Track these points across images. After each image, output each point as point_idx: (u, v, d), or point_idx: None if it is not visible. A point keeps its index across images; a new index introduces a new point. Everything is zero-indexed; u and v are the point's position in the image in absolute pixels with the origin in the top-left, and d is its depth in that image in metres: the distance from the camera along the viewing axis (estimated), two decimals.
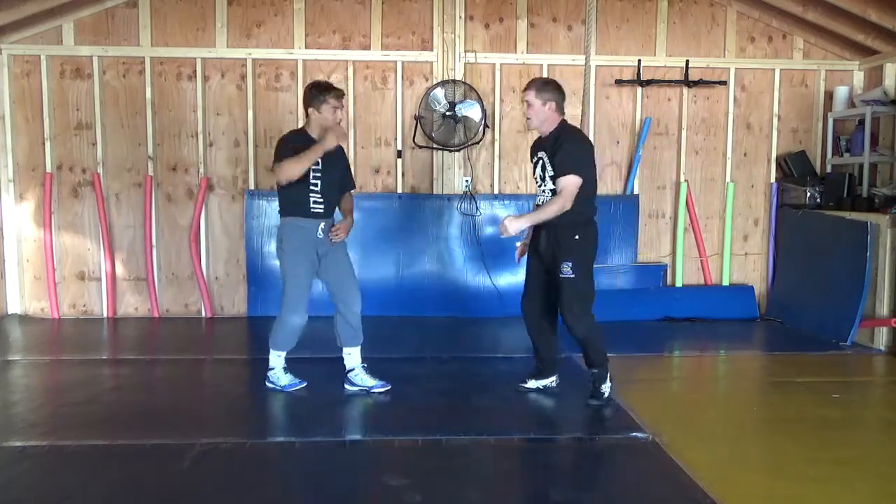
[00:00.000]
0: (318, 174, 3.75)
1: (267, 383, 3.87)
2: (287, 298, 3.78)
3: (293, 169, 3.63)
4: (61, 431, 3.31)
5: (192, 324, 5.83)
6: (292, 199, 3.79)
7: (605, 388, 3.71)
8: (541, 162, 3.65)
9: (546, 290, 3.76)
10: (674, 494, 2.71)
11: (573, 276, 3.54)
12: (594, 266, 3.71)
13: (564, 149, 3.54)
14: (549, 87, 3.63)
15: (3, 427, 3.37)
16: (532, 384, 3.95)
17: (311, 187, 3.76)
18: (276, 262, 4.06)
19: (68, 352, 4.97)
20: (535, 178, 3.72)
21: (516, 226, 3.52)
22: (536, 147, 3.76)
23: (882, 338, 5.01)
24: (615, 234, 6.11)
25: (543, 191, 3.66)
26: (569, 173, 3.51)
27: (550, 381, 3.95)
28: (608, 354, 3.74)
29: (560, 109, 3.63)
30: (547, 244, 3.65)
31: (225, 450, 3.09)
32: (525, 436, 3.36)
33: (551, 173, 3.58)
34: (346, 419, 3.72)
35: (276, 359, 3.87)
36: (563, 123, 3.65)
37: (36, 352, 4.95)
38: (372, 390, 4.03)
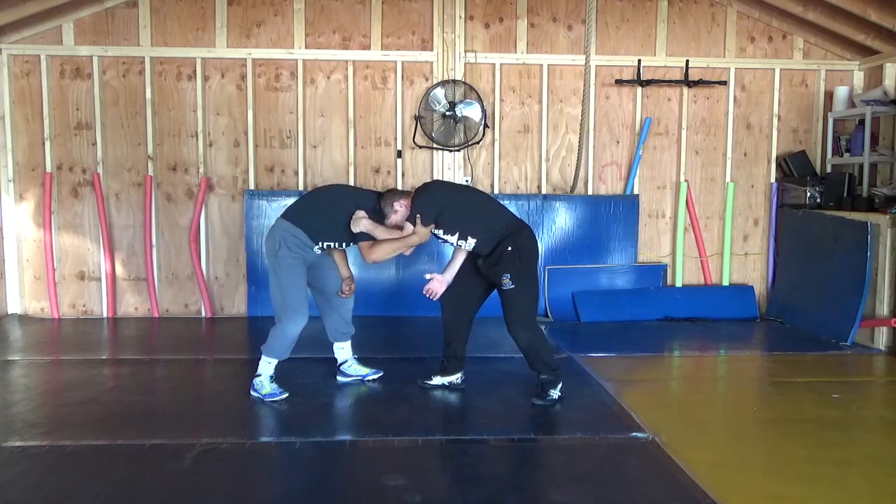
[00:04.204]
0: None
1: (251, 391, 3.81)
2: (288, 308, 3.70)
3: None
4: (61, 431, 3.31)
5: (192, 324, 5.83)
6: (320, 226, 3.78)
7: (554, 393, 3.73)
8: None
9: (480, 297, 3.91)
10: (674, 494, 2.71)
11: (513, 286, 3.62)
12: (537, 270, 3.85)
13: (415, 210, 3.72)
14: (388, 198, 3.79)
15: (3, 427, 3.37)
16: (437, 380, 3.99)
17: (341, 245, 3.89)
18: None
19: (68, 352, 4.96)
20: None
21: (441, 287, 3.85)
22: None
23: (882, 338, 5.01)
24: (615, 234, 6.11)
25: (451, 244, 3.82)
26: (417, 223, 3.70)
27: (456, 377, 3.99)
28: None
29: (406, 196, 3.78)
30: (485, 263, 3.76)
31: (225, 450, 3.09)
32: (525, 436, 3.36)
33: (438, 233, 3.76)
34: (345, 419, 3.72)
35: (267, 366, 3.79)
36: (413, 196, 3.78)
37: (36, 352, 4.95)
38: (366, 378, 4.08)
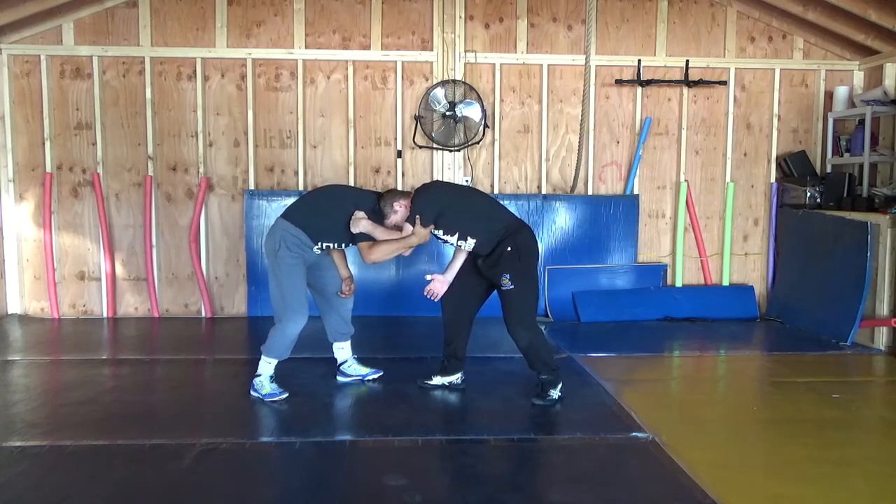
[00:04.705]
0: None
1: (251, 391, 3.81)
2: (288, 308, 3.71)
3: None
4: (61, 431, 3.31)
5: (192, 324, 5.83)
6: (320, 227, 3.79)
7: (554, 393, 3.73)
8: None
9: (480, 297, 3.90)
10: (674, 494, 2.71)
11: (512, 287, 3.62)
12: (537, 270, 3.83)
13: (415, 211, 3.71)
14: (388, 198, 3.80)
15: (3, 427, 3.37)
16: (437, 380, 3.99)
17: (341, 245, 3.89)
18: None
19: (68, 352, 4.96)
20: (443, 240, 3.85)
21: (442, 287, 3.84)
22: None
23: (882, 338, 5.01)
24: (615, 234, 6.11)
25: (451, 244, 3.80)
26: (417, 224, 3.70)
27: (456, 377, 3.99)
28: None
29: (406, 196, 3.80)
30: (485, 264, 3.76)
31: (225, 450, 3.09)
32: (525, 436, 3.36)
33: (438, 233, 3.75)
34: (345, 419, 3.72)
35: (267, 366, 3.79)
36: (413, 197, 3.78)
37: (36, 352, 4.95)
38: (366, 378, 4.09)
